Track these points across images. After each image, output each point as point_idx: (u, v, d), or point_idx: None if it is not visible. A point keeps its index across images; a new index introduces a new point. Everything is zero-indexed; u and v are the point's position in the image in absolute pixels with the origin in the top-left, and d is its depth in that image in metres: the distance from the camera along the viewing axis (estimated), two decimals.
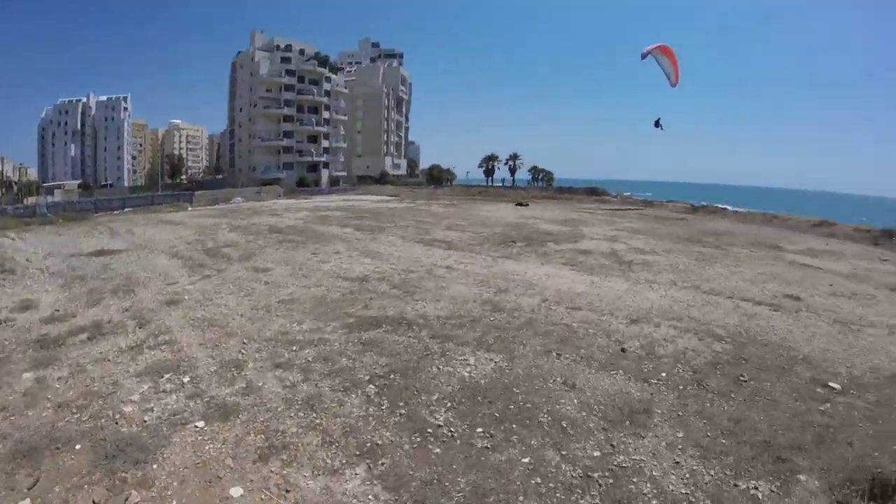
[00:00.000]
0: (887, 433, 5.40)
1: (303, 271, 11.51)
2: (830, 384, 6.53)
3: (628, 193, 50.77)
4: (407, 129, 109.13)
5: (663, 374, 6.53)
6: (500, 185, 77.92)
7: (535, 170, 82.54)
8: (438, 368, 6.38)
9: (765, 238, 20.55)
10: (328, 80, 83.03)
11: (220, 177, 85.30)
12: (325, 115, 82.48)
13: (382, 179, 78.08)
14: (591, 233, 19.48)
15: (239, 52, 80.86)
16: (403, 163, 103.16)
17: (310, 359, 6.53)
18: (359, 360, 6.52)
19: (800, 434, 5.29)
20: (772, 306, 9.98)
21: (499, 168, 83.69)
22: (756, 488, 4.38)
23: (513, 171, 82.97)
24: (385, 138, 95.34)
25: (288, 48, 79.82)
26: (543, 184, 78.25)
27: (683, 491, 4.29)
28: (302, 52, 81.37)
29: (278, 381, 5.91)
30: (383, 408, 5.38)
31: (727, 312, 9.37)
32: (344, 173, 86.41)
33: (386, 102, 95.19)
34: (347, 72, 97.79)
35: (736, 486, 4.41)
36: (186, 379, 5.94)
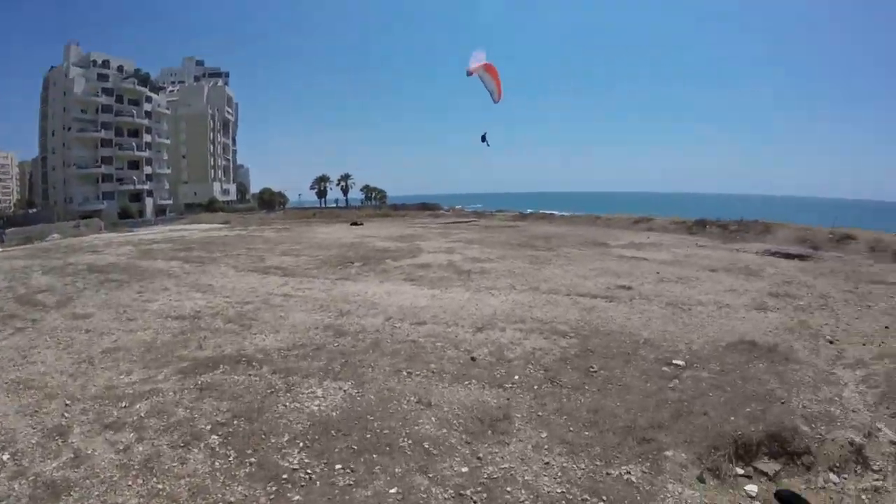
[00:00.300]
0: (736, 398, 6.09)
1: (127, 314, 10.42)
2: (675, 362, 7.26)
3: (460, 206, 53.47)
4: (234, 152, 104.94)
5: (516, 378, 6.74)
6: (335, 205, 79.89)
7: (367, 189, 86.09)
8: (285, 406, 6.06)
9: (591, 237, 22.81)
10: (149, 100, 78.22)
11: (33, 211, 75.66)
12: (147, 138, 77.58)
13: (212, 206, 74.58)
14: (427, 247, 20.06)
15: (52, 68, 73.64)
16: (233, 188, 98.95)
17: (142, 414, 6.03)
18: (197, 409, 6.05)
19: (657, 413, 5.75)
20: (607, 298, 10.94)
21: (331, 189, 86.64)
22: (629, 472, 4.63)
23: (345, 191, 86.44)
24: (212, 162, 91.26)
25: (105, 64, 74.18)
26: (377, 202, 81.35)
27: (559, 490, 4.39)
28: (121, 68, 75.77)
29: (110, 446, 5.33)
30: (231, 459, 4.94)
31: (567, 309, 10.06)
32: (170, 201, 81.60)
33: (212, 124, 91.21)
34: (170, 91, 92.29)
35: (609, 474, 4.61)
36: (6, 456, 5.23)
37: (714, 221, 24.81)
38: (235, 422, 5.67)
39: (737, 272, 14.03)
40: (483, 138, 30.69)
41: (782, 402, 5.94)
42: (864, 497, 4.52)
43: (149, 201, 76.58)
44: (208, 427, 5.57)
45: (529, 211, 41.46)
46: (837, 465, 4.96)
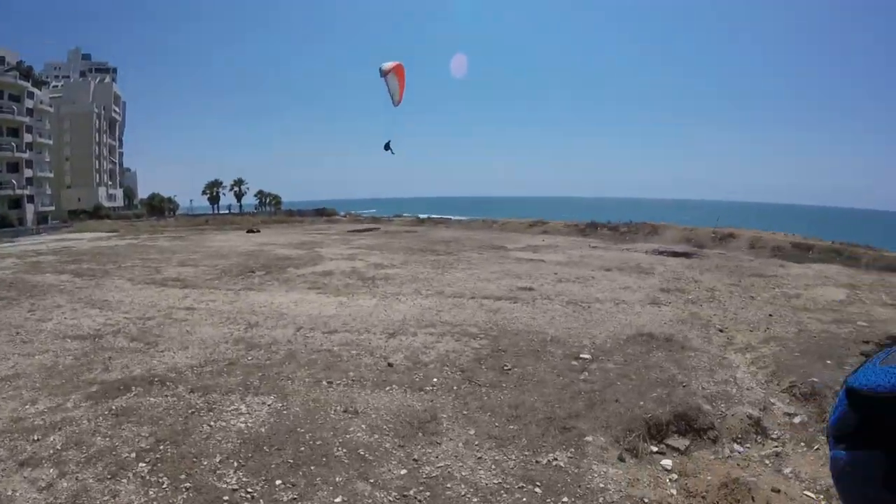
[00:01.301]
0: (642, 384, 6.74)
1: (21, 335, 9.44)
2: (582, 356, 7.86)
3: (355, 212, 53.29)
4: (121, 154, 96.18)
5: (435, 380, 6.99)
6: (227, 212, 75.69)
7: (261, 194, 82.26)
8: (210, 426, 5.85)
9: (489, 241, 23.60)
10: (31, 95, 69.39)
11: None
12: (28, 138, 68.67)
13: (98, 213, 67.96)
14: (328, 254, 19.93)
15: None
16: (119, 193, 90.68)
17: (58, 446, 5.52)
18: (117, 436, 5.66)
19: (573, 403, 6.24)
20: (511, 299, 11.49)
21: (224, 194, 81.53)
22: (556, 459, 5.04)
23: (239, 196, 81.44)
24: (97, 165, 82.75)
25: None
26: (272, 208, 78.15)
27: (496, 481, 4.68)
28: (2, 59, 67.80)
29: (30, 484, 4.85)
30: (164, 487, 4.70)
31: (474, 311, 10.47)
32: (52, 208, 72.95)
33: (97, 124, 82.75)
34: (53, 87, 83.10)
35: (538, 462, 4.98)
36: None
37: (605, 224, 26.50)
38: (161, 447, 5.43)
39: (629, 270, 15.15)
40: (387, 146, 30.02)
41: (684, 386, 6.63)
42: (767, 462, 5.25)
43: (29, 207, 68.55)
44: (133, 455, 5.29)
45: (426, 216, 42.02)
46: (740, 436, 5.71)
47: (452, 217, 42.28)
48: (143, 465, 5.10)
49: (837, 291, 12.22)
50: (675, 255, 18.57)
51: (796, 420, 6.12)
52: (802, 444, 5.64)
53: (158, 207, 79.51)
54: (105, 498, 4.58)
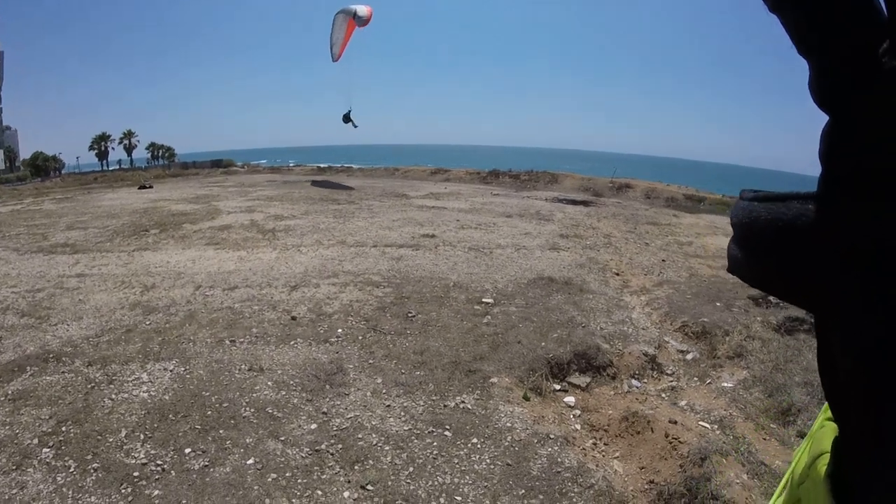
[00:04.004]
0: (544, 326, 7.02)
1: None
2: (484, 300, 8.06)
3: (256, 163, 51.20)
4: (0, 111, 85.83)
5: (340, 331, 6.95)
6: (118, 167, 69.90)
7: (153, 147, 76.28)
8: (112, 399, 5.52)
9: (391, 189, 23.34)
10: None
11: None
12: None
13: None
14: (226, 207, 19.00)
15: None
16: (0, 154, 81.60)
17: None
18: (17, 423, 5.21)
19: (477, 346, 6.42)
20: (413, 247, 11.54)
21: (113, 149, 75.20)
22: (463, 402, 5.19)
23: (129, 150, 75.02)
24: None
25: None
26: (165, 161, 72.96)
27: (406, 427, 4.77)
28: None
29: None
30: (72, 470, 4.41)
31: (376, 260, 10.44)
32: None
33: None
34: None
35: (446, 406, 5.12)
36: None
37: (506, 172, 26.92)
38: (63, 428, 5.08)
39: (530, 217, 15.55)
40: (346, 118, 26.85)
41: (583, 327, 6.97)
42: (663, 395, 5.67)
43: None
44: (36, 441, 4.91)
45: (327, 165, 40.97)
46: (637, 372, 6.11)
47: (354, 165, 41.51)
48: (48, 450, 4.76)
49: (726, 240, 12.98)
50: (574, 203, 19.22)
51: (689, 357, 6.64)
52: (695, 378, 6.15)
53: (43, 167, 73.08)
54: (13, 491, 4.25)
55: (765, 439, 4.83)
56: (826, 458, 0.52)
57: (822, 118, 0.38)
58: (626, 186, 22.39)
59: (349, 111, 26.62)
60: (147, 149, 77.42)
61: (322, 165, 40.30)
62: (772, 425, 5.04)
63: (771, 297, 8.01)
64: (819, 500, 0.50)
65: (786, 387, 5.45)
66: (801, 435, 4.77)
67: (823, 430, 0.57)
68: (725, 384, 5.86)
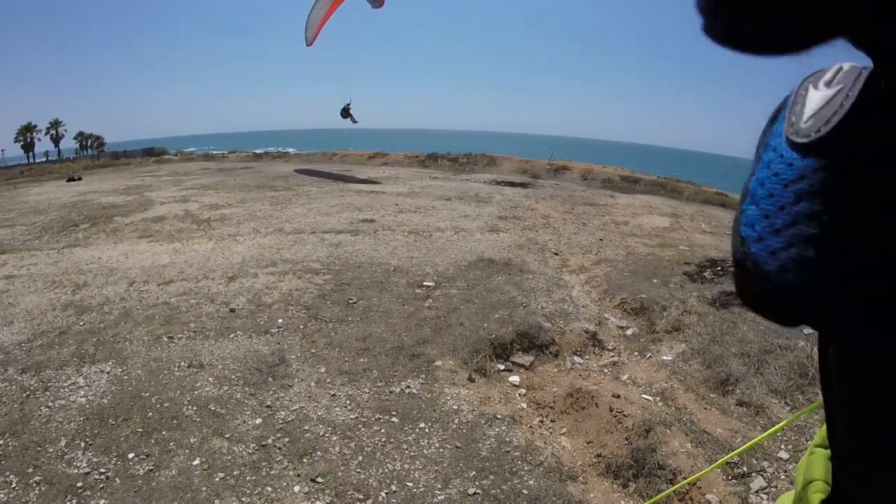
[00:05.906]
0: (485, 307, 7.08)
1: None
2: (425, 283, 8.07)
3: (190, 150, 49.29)
4: None
5: (280, 321, 6.82)
6: (45, 159, 66.56)
7: (81, 136, 72.47)
8: (49, 407, 5.24)
9: (329, 174, 22.94)
10: None
11: None
12: None
13: None
14: (159, 197, 18.25)
15: None
16: None
17: None
18: None
19: (420, 330, 6.44)
20: (352, 232, 11.40)
21: (39, 140, 70.98)
22: (409, 387, 5.20)
23: (56, 140, 71.20)
24: None
25: None
26: (94, 151, 69.56)
27: (353, 416, 4.74)
28: None
29: None
30: (14, 486, 4.16)
31: (315, 247, 10.27)
32: None
33: None
34: None
35: (392, 392, 5.11)
36: None
37: (445, 155, 26.88)
38: (1, 441, 4.82)
39: (469, 200, 15.58)
40: (346, 112, 24.53)
41: (524, 306, 7.07)
42: (605, 371, 5.83)
43: None
44: None
45: (263, 151, 39.85)
46: (579, 349, 6.26)
47: (291, 150, 40.55)
48: None
49: (662, 220, 13.50)
50: (513, 185, 19.36)
51: (628, 332, 6.85)
52: (636, 353, 6.37)
53: None
54: None
55: (706, 409, 5.04)
56: (817, 486, 0.53)
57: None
58: (564, 168, 22.70)
59: (348, 104, 24.77)
60: (75, 138, 73.81)
61: (258, 151, 39.14)
62: (711, 395, 5.28)
63: (705, 273, 8.38)
64: None
65: (723, 358, 5.70)
66: (740, 403, 5.05)
67: (813, 456, 0.58)
68: (665, 357, 6.08)
